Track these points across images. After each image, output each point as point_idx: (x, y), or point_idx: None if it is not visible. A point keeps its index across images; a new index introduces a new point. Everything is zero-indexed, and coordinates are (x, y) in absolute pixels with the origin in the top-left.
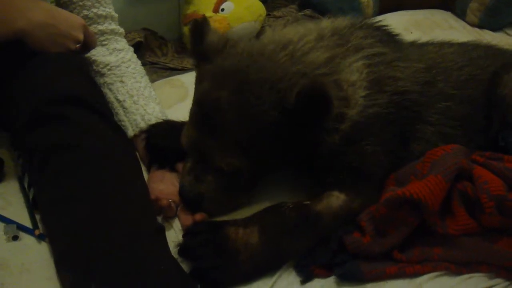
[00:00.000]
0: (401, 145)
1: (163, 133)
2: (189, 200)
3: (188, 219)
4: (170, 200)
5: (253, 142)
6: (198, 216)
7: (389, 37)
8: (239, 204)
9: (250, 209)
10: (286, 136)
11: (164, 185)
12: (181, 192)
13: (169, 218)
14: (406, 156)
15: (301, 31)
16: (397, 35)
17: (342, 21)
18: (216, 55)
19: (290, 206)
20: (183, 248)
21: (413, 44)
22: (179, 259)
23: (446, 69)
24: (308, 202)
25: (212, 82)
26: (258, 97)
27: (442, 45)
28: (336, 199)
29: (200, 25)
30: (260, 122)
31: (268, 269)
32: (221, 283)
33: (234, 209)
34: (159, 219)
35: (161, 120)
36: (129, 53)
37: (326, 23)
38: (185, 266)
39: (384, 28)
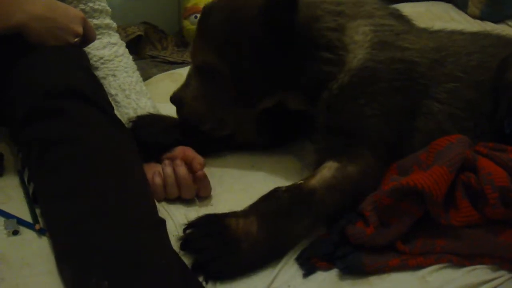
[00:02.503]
0: (407, 118)
1: (148, 125)
2: (173, 104)
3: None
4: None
5: (231, 43)
6: (179, 162)
7: (401, 16)
8: (222, 122)
9: (249, 199)
10: (264, 43)
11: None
12: (171, 97)
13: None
14: (411, 132)
15: None
16: (411, 19)
17: None
18: None
19: (284, 189)
20: (185, 242)
21: (425, 29)
22: (181, 253)
23: (455, 53)
24: (302, 181)
25: None
26: (245, 3)
27: (453, 32)
28: (328, 170)
29: None
30: (240, 25)
31: (271, 257)
32: (224, 274)
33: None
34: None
35: (147, 113)
36: (122, 48)
37: None
38: (186, 259)
39: (397, 9)
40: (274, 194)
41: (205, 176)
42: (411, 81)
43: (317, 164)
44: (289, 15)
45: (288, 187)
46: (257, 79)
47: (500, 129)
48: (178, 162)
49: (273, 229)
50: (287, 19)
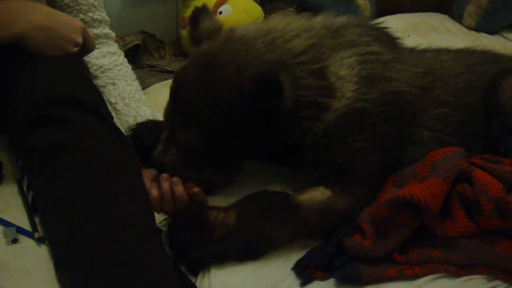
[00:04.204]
0: (396, 146)
1: (147, 131)
2: (156, 167)
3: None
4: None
5: (211, 122)
6: (176, 181)
7: (387, 38)
8: (209, 180)
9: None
10: (246, 122)
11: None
12: (151, 159)
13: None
14: (403, 160)
15: (287, 20)
16: (397, 38)
17: (337, 19)
18: (206, 40)
19: (270, 193)
20: (167, 228)
21: (412, 50)
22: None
23: (443, 76)
24: (291, 193)
25: (188, 62)
26: (221, 79)
27: (439, 51)
28: (320, 194)
29: (199, 12)
30: (220, 103)
31: (244, 251)
32: (194, 257)
33: (208, 187)
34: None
35: (146, 120)
36: (121, 57)
37: (319, 18)
38: None
39: (383, 29)
40: (259, 195)
41: (200, 192)
42: (399, 110)
43: (307, 183)
44: (277, 99)
45: (275, 192)
46: (240, 150)
47: (494, 147)
48: (175, 180)
49: (250, 223)
50: (275, 103)
